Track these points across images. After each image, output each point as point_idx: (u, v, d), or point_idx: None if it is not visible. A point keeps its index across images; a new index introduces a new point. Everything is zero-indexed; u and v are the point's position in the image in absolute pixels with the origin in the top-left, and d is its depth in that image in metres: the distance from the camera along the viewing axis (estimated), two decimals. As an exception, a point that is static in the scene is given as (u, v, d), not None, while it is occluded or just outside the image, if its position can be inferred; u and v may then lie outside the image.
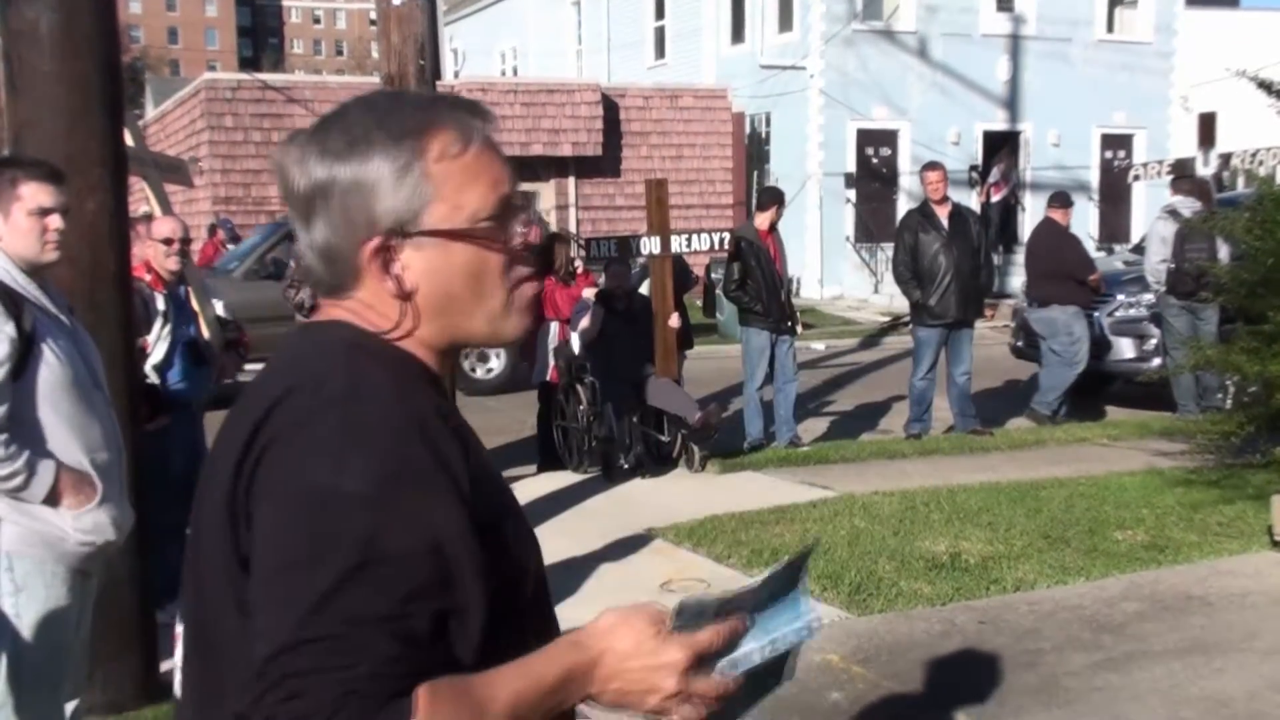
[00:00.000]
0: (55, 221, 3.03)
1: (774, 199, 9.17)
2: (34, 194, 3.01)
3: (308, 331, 1.33)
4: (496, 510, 1.27)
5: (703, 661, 1.22)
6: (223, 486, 1.22)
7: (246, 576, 1.17)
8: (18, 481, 2.90)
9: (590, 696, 1.21)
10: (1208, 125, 23.88)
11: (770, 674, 1.33)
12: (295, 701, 1.03)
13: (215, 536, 1.22)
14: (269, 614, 1.10)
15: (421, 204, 1.26)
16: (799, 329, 9.54)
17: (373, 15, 7.47)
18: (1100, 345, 10.28)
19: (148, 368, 5.12)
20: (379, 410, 1.19)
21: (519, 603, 1.28)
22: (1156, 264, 9.73)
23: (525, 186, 21.58)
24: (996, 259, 22.31)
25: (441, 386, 1.36)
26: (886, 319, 19.25)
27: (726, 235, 9.15)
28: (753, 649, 1.27)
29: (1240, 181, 12.45)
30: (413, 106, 1.30)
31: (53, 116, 4.01)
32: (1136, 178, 18.06)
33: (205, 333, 5.51)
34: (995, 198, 22.72)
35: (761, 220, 8.98)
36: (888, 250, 18.37)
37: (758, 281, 8.74)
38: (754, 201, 9.36)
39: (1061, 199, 10.28)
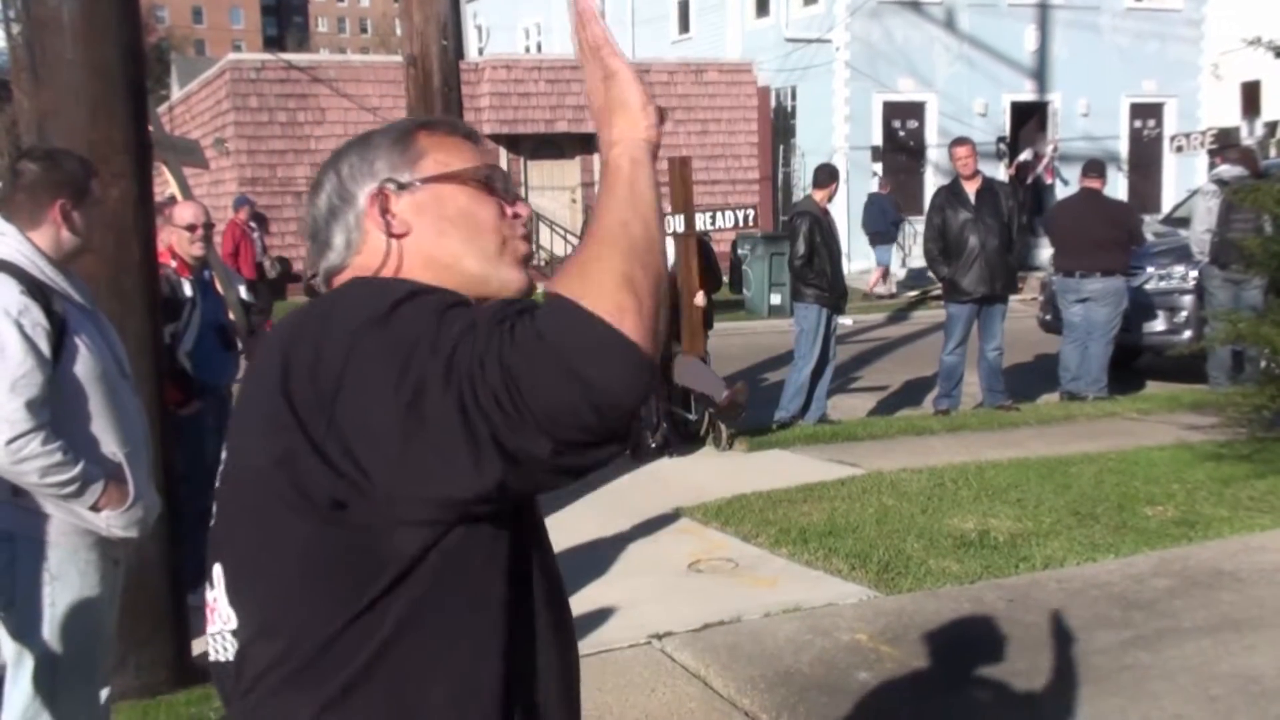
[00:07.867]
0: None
1: (832, 177, 9.14)
2: None
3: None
4: None
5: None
6: (263, 417, 1.27)
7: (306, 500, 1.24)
8: (72, 489, 2.91)
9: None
10: (1251, 94, 23.53)
11: None
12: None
13: (261, 470, 1.27)
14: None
15: (415, 159, 1.44)
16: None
17: (395, -5, 7.45)
18: (1130, 318, 10.15)
19: (180, 355, 5.16)
20: (396, 283, 1.32)
21: None
22: (1201, 234, 9.52)
23: (549, 164, 21.59)
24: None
25: None
26: (914, 293, 19.15)
27: (751, 212, 9.10)
28: None
29: (1274, 152, 12.26)
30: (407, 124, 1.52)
31: (76, 105, 4.00)
32: (1179, 149, 17.82)
33: (231, 316, 5.54)
34: (1029, 178, 22.43)
35: (821, 197, 8.96)
36: (915, 224, 18.25)
37: (823, 258, 8.72)
38: (811, 179, 9.31)
39: (1099, 167, 10.12)
